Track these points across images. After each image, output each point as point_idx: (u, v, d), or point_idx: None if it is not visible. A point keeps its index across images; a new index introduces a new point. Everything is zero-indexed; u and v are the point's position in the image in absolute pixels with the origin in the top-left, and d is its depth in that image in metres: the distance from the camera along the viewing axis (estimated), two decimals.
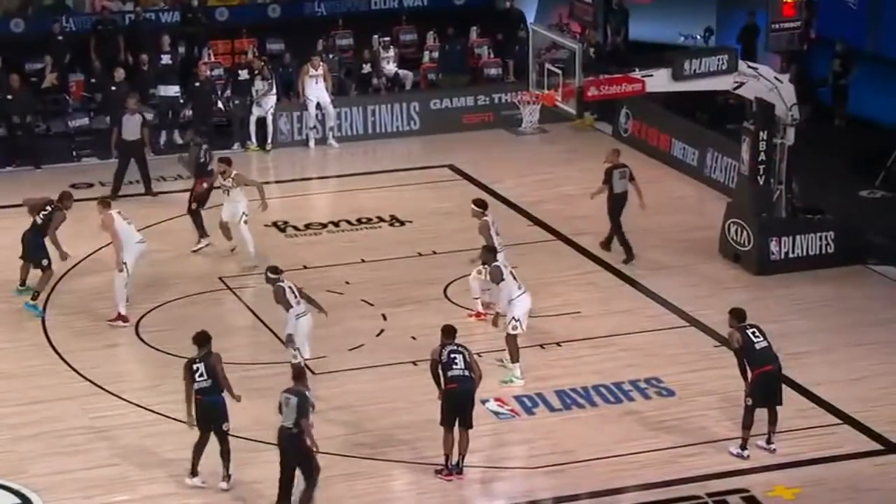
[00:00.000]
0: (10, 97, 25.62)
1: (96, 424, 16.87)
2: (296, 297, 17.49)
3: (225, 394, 15.53)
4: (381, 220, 23.20)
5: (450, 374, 15.57)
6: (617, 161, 21.53)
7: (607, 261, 21.54)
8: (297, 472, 14.84)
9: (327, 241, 22.58)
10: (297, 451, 14.77)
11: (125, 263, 19.54)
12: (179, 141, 26.93)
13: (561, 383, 17.73)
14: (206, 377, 15.36)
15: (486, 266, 18.47)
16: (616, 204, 21.44)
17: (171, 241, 22.43)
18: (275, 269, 17.83)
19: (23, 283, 20.44)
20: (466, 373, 15.57)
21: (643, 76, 20.44)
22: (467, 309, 19.53)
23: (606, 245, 21.83)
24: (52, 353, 18.67)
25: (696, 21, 28.78)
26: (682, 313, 19.83)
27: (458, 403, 15.53)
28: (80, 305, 20.10)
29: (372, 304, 19.94)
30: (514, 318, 17.64)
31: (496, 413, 17.03)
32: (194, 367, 15.41)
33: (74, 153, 26.36)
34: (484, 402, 16.82)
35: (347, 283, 20.56)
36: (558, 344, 18.67)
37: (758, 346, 16.03)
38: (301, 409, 14.65)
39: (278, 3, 29.34)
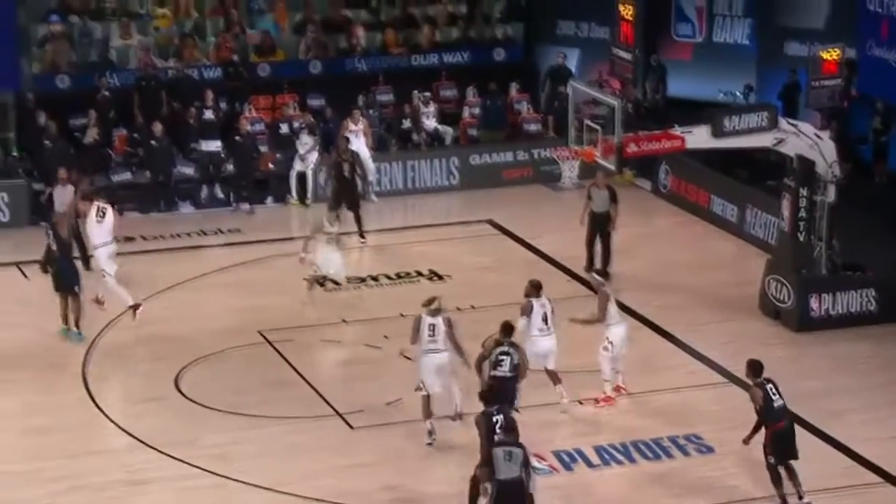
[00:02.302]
0: (48, 143, 25.93)
1: (135, 478, 16.90)
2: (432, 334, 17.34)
3: None
4: (419, 274, 23.23)
5: (493, 373, 16.91)
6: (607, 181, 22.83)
7: (648, 317, 21.49)
8: None
9: (366, 295, 22.61)
10: (524, 498, 14.82)
11: (104, 271, 20.79)
12: (220, 195, 27.13)
13: (600, 439, 17.66)
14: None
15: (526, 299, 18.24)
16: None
17: (209, 295, 22.55)
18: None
19: (66, 320, 20.64)
20: (510, 374, 16.91)
21: (683, 133, 20.43)
22: None
23: (601, 268, 22.77)
24: (91, 407, 18.75)
25: (736, 78, 28.80)
26: (722, 370, 19.74)
27: (495, 400, 16.13)
28: (121, 358, 20.19)
29: (410, 359, 19.88)
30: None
31: (534, 468, 16.93)
32: (494, 419, 15.41)
33: (116, 207, 26.50)
34: None
35: (386, 337, 20.56)
36: (597, 401, 18.59)
37: (776, 405, 16.00)
38: (527, 459, 14.79)
39: (319, 60, 29.57)
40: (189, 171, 27.20)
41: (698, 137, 20.42)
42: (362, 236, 24.78)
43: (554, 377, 18.26)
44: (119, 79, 28.22)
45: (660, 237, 25.48)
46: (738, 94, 28.42)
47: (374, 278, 23.22)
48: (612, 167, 21.05)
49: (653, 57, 29.65)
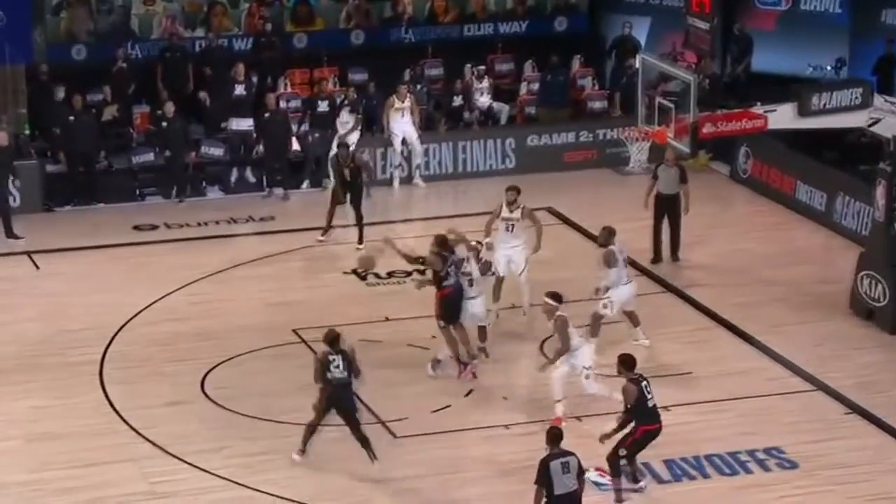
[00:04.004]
0: (72, 118, 26.02)
1: (157, 489, 16.97)
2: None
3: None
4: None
5: (446, 282, 19.39)
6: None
7: (723, 316, 21.39)
8: None
9: (412, 290, 22.54)
10: None
11: None
12: (252, 179, 27.17)
13: (670, 452, 17.57)
14: (342, 373, 17.04)
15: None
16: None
17: (238, 290, 22.62)
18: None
19: None
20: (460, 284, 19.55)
21: (765, 111, 20.33)
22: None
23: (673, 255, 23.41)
24: (109, 411, 18.84)
25: (826, 50, 28.60)
26: (807, 376, 19.62)
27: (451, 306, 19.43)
28: (141, 359, 20.29)
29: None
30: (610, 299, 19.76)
31: (597, 484, 16.87)
32: (330, 357, 17.05)
33: (138, 191, 26.69)
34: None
35: (433, 337, 20.52)
36: (667, 408, 18.44)
37: (649, 404, 16.35)
38: (581, 468, 14.97)
39: (362, 29, 29.57)
40: (218, 152, 27.24)
41: (783, 117, 20.31)
42: (360, 242, 24.36)
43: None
44: (141, 50, 28.31)
45: (738, 227, 25.35)
46: (828, 68, 28.21)
47: (421, 272, 23.17)
48: (685, 149, 20.95)
49: (735, 26, 29.45)
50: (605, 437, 16.44)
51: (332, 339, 17.26)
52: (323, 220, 24.48)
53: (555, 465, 14.81)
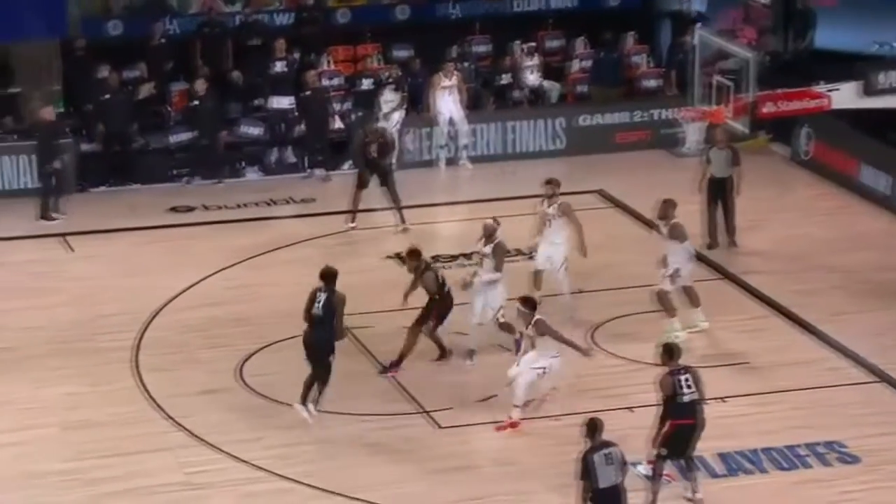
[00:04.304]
0: (107, 96, 26.09)
1: (193, 480, 17.01)
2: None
3: None
4: (519, 252, 23.03)
5: (446, 287, 19.25)
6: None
7: (782, 303, 21.28)
8: None
9: (457, 275, 22.54)
10: None
11: None
12: (292, 159, 27.18)
13: (725, 445, 17.51)
14: (319, 309, 17.68)
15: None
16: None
17: (277, 274, 22.65)
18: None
19: None
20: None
21: (828, 90, 20.23)
22: (616, 356, 19.36)
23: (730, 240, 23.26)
24: (143, 399, 18.91)
25: (892, 27, 28.43)
26: (870, 367, 19.50)
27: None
28: (176, 345, 20.34)
29: (507, 350, 19.89)
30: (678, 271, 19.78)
31: (646, 476, 16.83)
32: (318, 293, 17.75)
33: (174, 172, 26.73)
34: (634, 464, 16.65)
35: (480, 324, 20.49)
36: (723, 399, 18.46)
37: (684, 399, 15.95)
38: (624, 458, 14.90)
39: (407, 4, 29.54)
40: (256, 131, 27.27)
41: (846, 96, 20.25)
42: (403, 220, 24.32)
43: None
44: (179, 25, 28.35)
45: (799, 211, 25.23)
46: (894, 44, 28.05)
47: (467, 256, 23.15)
48: (744, 129, 20.86)
49: (798, 1, 29.30)
50: (654, 442, 16.22)
51: (326, 275, 17.85)
52: (366, 203, 24.44)
53: (598, 457, 14.72)
